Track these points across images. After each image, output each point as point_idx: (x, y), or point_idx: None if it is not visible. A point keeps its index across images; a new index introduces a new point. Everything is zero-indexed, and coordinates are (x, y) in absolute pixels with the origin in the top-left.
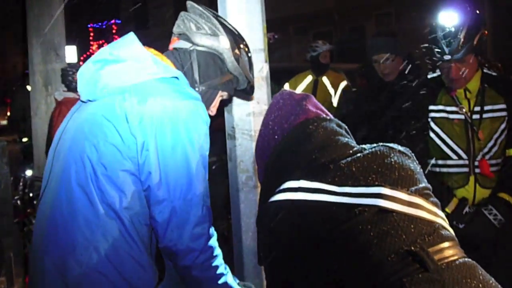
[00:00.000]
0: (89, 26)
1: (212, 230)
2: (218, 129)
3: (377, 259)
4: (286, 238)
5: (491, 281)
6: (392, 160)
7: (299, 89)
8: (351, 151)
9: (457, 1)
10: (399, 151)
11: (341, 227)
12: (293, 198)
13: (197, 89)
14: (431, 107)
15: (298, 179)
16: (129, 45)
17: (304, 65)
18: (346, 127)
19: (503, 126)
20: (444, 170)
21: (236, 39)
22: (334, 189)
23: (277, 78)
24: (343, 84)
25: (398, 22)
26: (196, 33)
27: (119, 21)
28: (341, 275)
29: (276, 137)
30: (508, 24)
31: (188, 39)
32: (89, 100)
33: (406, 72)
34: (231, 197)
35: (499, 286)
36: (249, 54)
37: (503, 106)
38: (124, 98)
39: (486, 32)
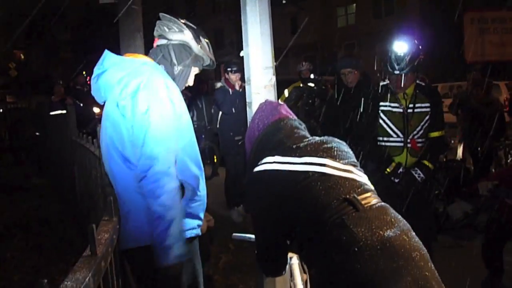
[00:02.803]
0: None
1: (169, 169)
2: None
3: (324, 204)
4: (264, 195)
5: (399, 217)
6: (333, 145)
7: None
8: (306, 139)
9: (403, 35)
10: (338, 141)
11: (301, 184)
12: (270, 168)
13: (175, 68)
14: (381, 104)
15: (274, 155)
16: (107, 58)
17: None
18: (305, 125)
19: (427, 117)
20: (388, 144)
21: (196, 32)
22: (296, 160)
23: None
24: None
25: (359, 49)
26: (169, 32)
27: None
28: (300, 218)
29: (259, 129)
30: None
31: (164, 37)
32: (104, 102)
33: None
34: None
35: (404, 221)
36: (206, 40)
37: (428, 105)
38: (115, 91)
39: (422, 57)
